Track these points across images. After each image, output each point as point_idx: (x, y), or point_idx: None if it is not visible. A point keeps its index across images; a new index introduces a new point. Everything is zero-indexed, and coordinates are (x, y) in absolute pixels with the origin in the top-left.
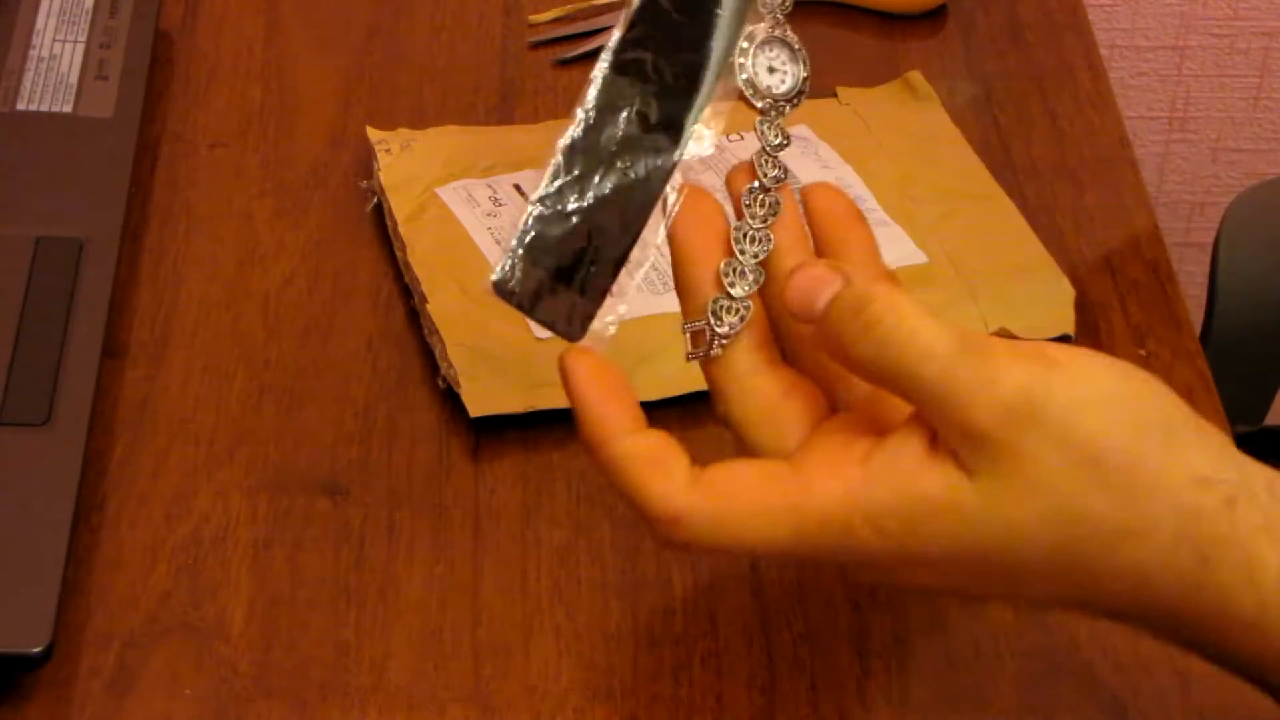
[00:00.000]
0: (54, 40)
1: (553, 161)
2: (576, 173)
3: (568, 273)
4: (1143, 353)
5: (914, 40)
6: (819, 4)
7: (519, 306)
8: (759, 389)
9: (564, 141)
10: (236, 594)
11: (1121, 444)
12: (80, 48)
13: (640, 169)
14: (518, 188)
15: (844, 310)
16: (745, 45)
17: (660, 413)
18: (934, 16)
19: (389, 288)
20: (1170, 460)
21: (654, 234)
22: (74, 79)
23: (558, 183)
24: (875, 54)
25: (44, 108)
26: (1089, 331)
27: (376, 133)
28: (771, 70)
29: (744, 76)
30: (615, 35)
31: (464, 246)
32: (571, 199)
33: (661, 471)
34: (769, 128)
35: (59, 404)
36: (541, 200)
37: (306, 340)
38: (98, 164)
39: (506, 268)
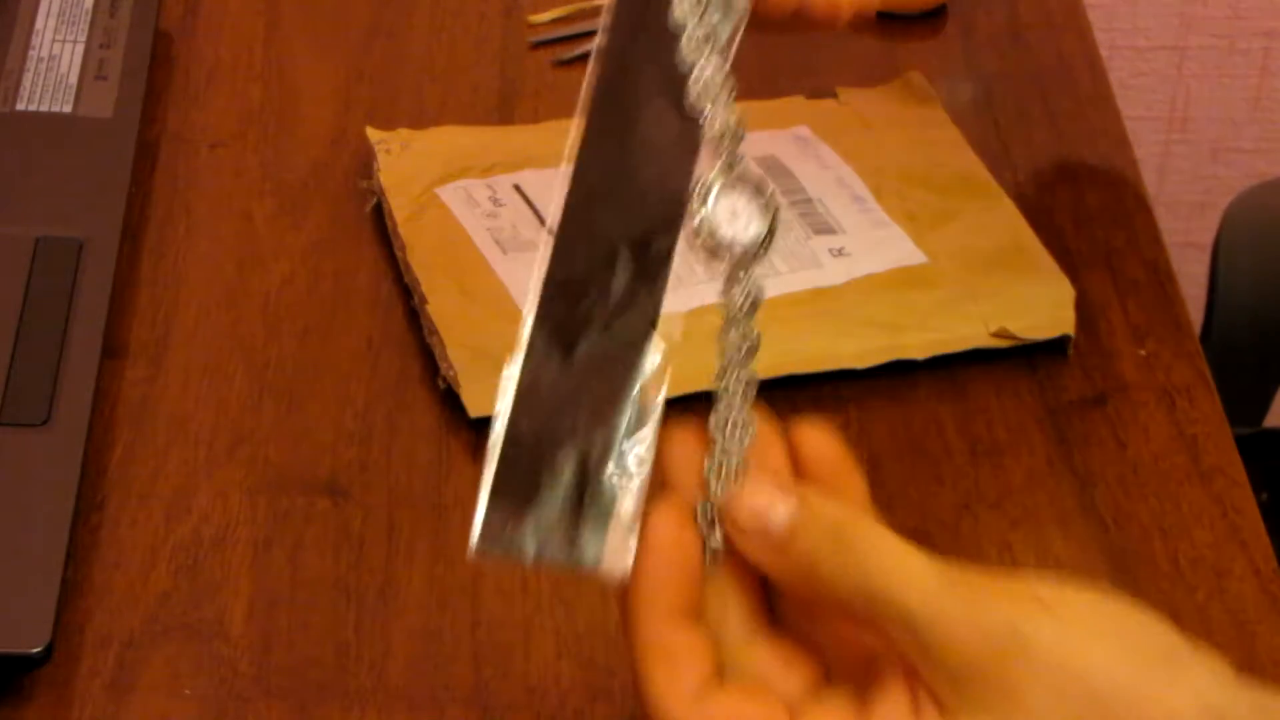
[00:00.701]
0: (54, 40)
1: (509, 368)
2: (533, 380)
3: (559, 497)
4: (1143, 353)
5: (914, 40)
6: None
7: (521, 562)
8: (754, 661)
9: (520, 354)
10: (236, 594)
11: (1123, 678)
12: (80, 48)
13: (616, 345)
14: (517, 188)
15: (819, 529)
16: (700, 193)
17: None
18: (934, 16)
19: (389, 288)
20: (1177, 692)
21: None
22: (74, 79)
23: (515, 395)
24: (875, 54)
25: (44, 108)
26: (1089, 331)
27: (376, 133)
28: (734, 215)
29: (698, 223)
30: (557, 200)
31: (464, 247)
32: (534, 408)
33: (672, 672)
34: (736, 289)
35: (59, 404)
36: (509, 419)
37: (306, 340)
38: (98, 164)
39: (482, 524)
